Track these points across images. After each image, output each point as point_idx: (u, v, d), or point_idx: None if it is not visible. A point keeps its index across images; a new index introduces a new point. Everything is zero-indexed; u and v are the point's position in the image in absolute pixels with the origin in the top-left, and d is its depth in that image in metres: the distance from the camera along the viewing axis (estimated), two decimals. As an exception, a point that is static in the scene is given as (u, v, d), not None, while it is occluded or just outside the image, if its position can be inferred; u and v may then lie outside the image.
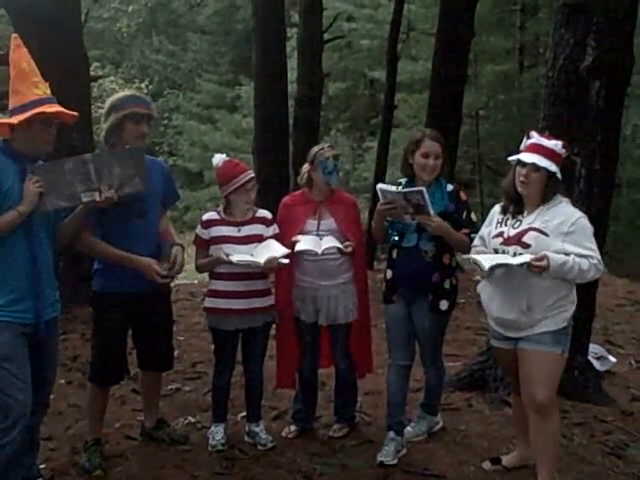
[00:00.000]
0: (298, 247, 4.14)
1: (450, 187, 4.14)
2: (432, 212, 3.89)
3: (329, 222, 4.29)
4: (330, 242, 4.18)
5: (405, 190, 3.98)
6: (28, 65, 3.49)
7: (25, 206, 3.35)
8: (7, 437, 3.35)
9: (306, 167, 4.37)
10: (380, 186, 4.04)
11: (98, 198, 3.57)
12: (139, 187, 3.70)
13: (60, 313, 3.72)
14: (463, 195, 4.18)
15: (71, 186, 3.53)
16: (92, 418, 4.23)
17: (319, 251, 4.11)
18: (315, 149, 4.39)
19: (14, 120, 3.38)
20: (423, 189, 3.87)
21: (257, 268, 4.05)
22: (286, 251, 4.07)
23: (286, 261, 4.07)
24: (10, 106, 3.46)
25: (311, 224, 4.30)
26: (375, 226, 4.31)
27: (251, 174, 4.22)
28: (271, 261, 4.00)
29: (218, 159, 4.28)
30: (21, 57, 3.50)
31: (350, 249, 4.20)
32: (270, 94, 11.14)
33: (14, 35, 3.64)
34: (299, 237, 4.20)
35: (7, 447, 3.36)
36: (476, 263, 3.56)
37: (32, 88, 3.43)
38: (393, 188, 4.03)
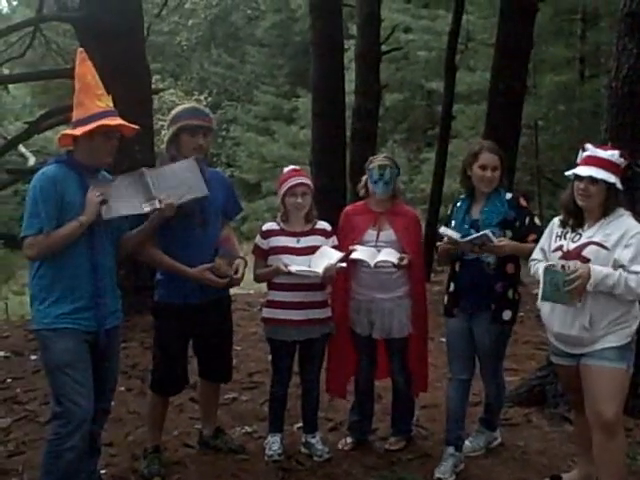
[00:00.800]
0: (353, 255, 4.13)
1: (509, 195, 4.10)
2: (495, 240, 3.88)
3: (388, 233, 4.28)
4: (386, 255, 4.15)
5: (469, 238, 3.94)
6: (93, 78, 3.58)
7: (87, 216, 3.43)
8: (69, 442, 3.41)
9: (365, 177, 4.37)
10: (442, 230, 4.05)
11: (159, 205, 3.63)
12: (198, 193, 3.76)
13: (122, 322, 3.79)
14: (523, 202, 4.13)
15: (132, 197, 3.61)
16: (152, 426, 4.29)
17: (372, 263, 4.09)
18: (371, 158, 4.40)
19: (77, 132, 3.47)
20: (488, 232, 3.87)
21: (316, 278, 4.06)
22: (341, 255, 4.07)
23: (344, 264, 4.06)
24: (74, 118, 3.56)
25: (370, 234, 4.29)
26: (439, 258, 4.35)
27: (302, 180, 4.22)
28: (329, 269, 4.00)
29: (286, 169, 4.32)
30: (86, 71, 3.59)
31: (405, 262, 4.17)
32: (328, 106, 11.17)
33: (80, 49, 3.74)
34: (357, 247, 4.20)
35: (69, 452, 3.42)
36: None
37: (95, 101, 3.51)
38: (456, 235, 3.99)
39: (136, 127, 3.64)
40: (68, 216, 3.42)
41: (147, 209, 3.65)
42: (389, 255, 4.16)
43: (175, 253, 3.94)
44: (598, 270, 3.41)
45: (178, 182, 3.72)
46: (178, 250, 3.93)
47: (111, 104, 3.58)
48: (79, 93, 3.56)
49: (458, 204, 4.24)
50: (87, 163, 3.54)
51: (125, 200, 3.59)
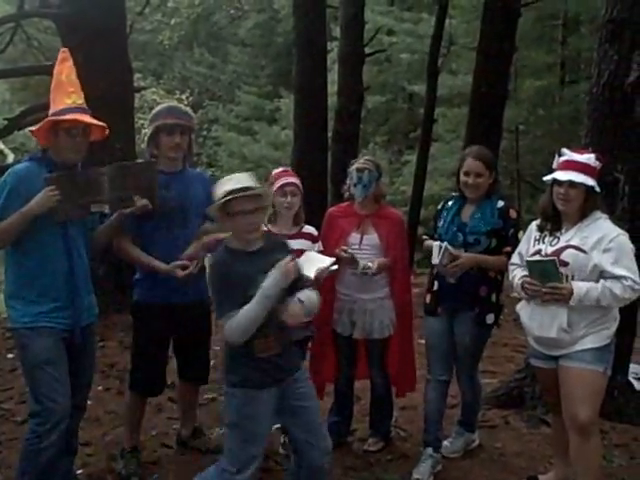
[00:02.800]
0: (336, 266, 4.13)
1: (501, 204, 4.12)
2: (453, 250, 3.93)
3: (372, 237, 4.29)
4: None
5: (438, 260, 3.98)
6: (67, 77, 3.56)
7: (31, 209, 3.35)
8: (47, 441, 3.40)
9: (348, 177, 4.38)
10: (428, 244, 4.14)
11: (106, 210, 3.64)
12: (144, 203, 3.73)
13: (97, 319, 3.78)
14: (513, 213, 4.15)
15: (83, 197, 3.56)
16: (129, 426, 4.27)
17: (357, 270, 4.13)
18: (353, 160, 4.41)
19: (34, 128, 3.47)
20: (446, 244, 3.93)
21: (307, 282, 4.05)
22: (332, 259, 4.06)
23: (335, 267, 4.06)
24: (49, 113, 3.54)
25: (354, 237, 4.29)
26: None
27: (291, 179, 4.21)
28: (321, 273, 4.00)
29: (276, 170, 4.33)
30: (62, 70, 3.58)
31: (373, 269, 4.17)
32: (310, 107, 11.17)
33: (63, 49, 3.71)
34: (342, 252, 4.20)
35: (46, 451, 3.40)
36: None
37: (64, 98, 3.49)
38: (435, 260, 4.02)
39: (101, 124, 3.58)
40: (39, 217, 3.38)
41: (94, 210, 3.64)
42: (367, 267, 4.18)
43: (153, 253, 3.92)
44: (580, 286, 3.45)
45: (134, 185, 3.69)
46: (157, 250, 3.90)
47: (80, 101, 3.53)
48: (52, 91, 3.56)
49: (449, 203, 4.25)
50: (58, 161, 3.51)
51: (76, 200, 3.51)
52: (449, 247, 3.94)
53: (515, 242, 4.04)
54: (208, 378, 4.48)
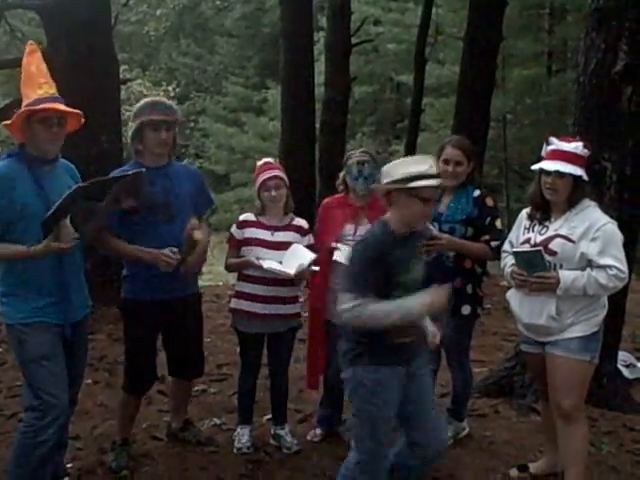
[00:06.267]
0: (336, 257, 4.12)
1: (476, 193, 4.12)
2: (435, 232, 3.91)
3: (366, 228, 4.27)
4: None
5: None
6: (37, 68, 3.48)
7: (35, 253, 3.30)
8: (44, 435, 3.37)
9: (343, 171, 4.35)
10: None
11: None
12: (130, 203, 3.70)
13: (89, 314, 3.75)
14: (489, 201, 4.14)
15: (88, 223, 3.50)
16: (122, 421, 4.24)
17: None
18: (349, 153, 4.39)
19: (6, 122, 3.40)
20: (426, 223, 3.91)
21: (287, 277, 4.04)
22: (313, 256, 4.05)
23: (316, 268, 4.06)
24: (22, 107, 3.46)
25: (349, 228, 4.28)
26: None
27: (274, 173, 4.19)
28: (300, 272, 3.99)
29: (259, 162, 4.31)
30: (31, 61, 3.50)
31: None
32: (297, 97, 11.17)
33: (30, 42, 3.64)
34: (339, 245, 4.19)
35: (42, 445, 3.38)
36: None
37: (36, 89, 3.42)
38: None
39: (76, 111, 3.50)
40: (24, 213, 3.33)
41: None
42: None
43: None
44: (567, 275, 3.46)
45: (123, 190, 3.63)
46: (145, 244, 3.84)
47: (52, 90, 3.45)
48: (23, 85, 3.49)
49: None
50: (37, 154, 3.45)
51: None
52: (429, 226, 3.91)
53: (494, 231, 4.04)
54: (201, 374, 4.46)
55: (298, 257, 4.06)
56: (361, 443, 3.24)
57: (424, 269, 3.28)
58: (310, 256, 4.05)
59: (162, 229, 3.88)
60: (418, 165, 3.06)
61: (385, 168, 3.16)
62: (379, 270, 3.04)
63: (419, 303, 3.04)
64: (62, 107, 3.42)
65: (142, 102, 4.06)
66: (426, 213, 3.14)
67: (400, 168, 3.07)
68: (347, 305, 3.01)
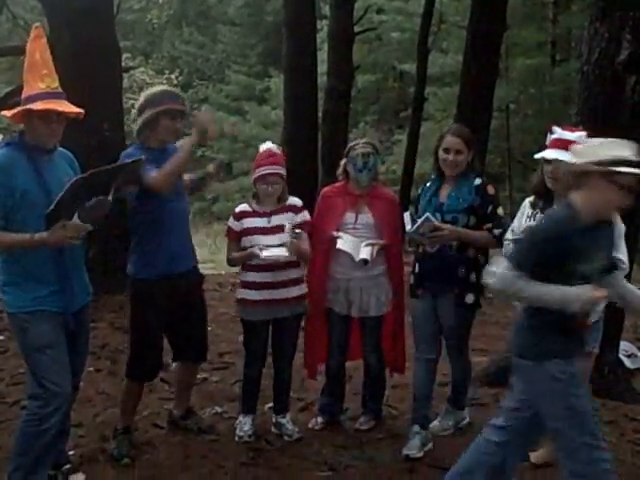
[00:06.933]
0: (339, 245, 4.14)
1: (478, 181, 4.11)
2: (435, 221, 3.94)
3: (367, 217, 4.28)
4: (365, 254, 4.15)
5: (414, 228, 3.98)
6: (41, 56, 3.45)
7: (40, 239, 3.28)
8: (47, 423, 3.38)
9: (344, 160, 4.35)
10: (404, 216, 4.16)
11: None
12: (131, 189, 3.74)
13: (90, 302, 3.76)
14: (491, 189, 4.13)
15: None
16: (125, 409, 4.25)
17: (357, 258, 4.12)
18: (351, 143, 4.38)
19: (8, 114, 3.40)
20: (428, 215, 3.93)
21: (286, 258, 4.07)
22: (290, 225, 4.11)
23: (298, 231, 4.08)
24: (22, 96, 3.44)
25: (349, 217, 4.29)
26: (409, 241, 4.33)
27: (276, 169, 4.18)
28: (289, 246, 4.04)
29: (264, 145, 4.30)
30: (36, 48, 3.47)
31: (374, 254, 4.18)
32: (300, 86, 11.13)
33: (35, 24, 3.60)
34: (341, 234, 4.20)
35: (46, 433, 3.39)
36: None
37: (38, 81, 3.39)
38: (407, 227, 4.06)
39: (78, 110, 3.47)
40: (24, 201, 3.32)
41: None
42: (367, 254, 4.14)
43: (141, 227, 3.97)
44: None
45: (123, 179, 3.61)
46: (157, 223, 3.92)
47: (55, 84, 3.44)
48: (25, 71, 3.46)
49: (427, 185, 4.26)
50: (34, 144, 3.44)
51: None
52: (431, 217, 3.92)
53: (496, 219, 4.04)
54: (205, 357, 4.47)
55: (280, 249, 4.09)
56: (574, 449, 2.97)
57: (607, 262, 3.07)
58: (288, 226, 4.10)
59: (170, 205, 3.93)
60: (622, 149, 2.84)
61: (578, 148, 2.98)
62: (554, 253, 2.86)
63: (575, 297, 2.85)
64: (62, 107, 3.41)
65: (158, 91, 4.09)
66: (621, 203, 2.89)
67: (602, 150, 2.84)
68: (503, 271, 2.90)
